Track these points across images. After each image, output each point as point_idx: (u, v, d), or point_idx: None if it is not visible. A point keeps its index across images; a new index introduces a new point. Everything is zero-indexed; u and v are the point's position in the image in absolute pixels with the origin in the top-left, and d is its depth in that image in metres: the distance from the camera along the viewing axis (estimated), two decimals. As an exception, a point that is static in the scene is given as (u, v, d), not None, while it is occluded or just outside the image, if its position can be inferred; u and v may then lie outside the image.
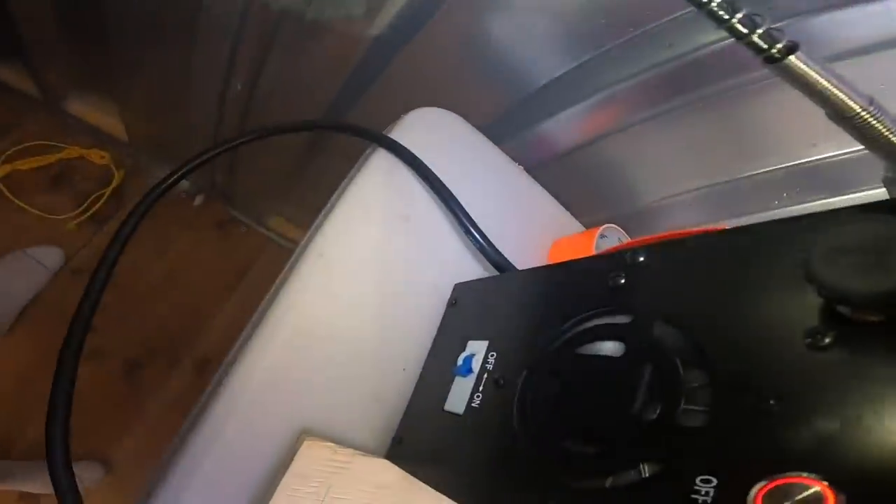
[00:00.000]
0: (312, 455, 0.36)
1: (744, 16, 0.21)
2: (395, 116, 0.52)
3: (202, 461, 0.34)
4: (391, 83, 0.71)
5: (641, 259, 0.26)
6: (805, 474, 0.16)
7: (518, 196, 0.56)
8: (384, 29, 0.63)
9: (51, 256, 1.13)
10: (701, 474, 0.18)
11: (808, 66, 0.21)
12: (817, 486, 0.15)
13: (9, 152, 1.17)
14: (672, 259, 0.25)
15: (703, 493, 0.18)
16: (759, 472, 0.17)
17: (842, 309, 0.17)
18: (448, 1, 0.55)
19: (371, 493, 0.38)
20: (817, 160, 0.50)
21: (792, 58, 0.20)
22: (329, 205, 0.45)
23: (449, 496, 0.33)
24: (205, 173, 1.20)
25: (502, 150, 0.57)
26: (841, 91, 0.21)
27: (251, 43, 0.75)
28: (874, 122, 0.21)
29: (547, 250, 0.55)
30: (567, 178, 0.66)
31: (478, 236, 0.43)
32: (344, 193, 0.44)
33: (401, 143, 0.47)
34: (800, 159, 0.51)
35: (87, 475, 1.03)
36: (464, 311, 0.41)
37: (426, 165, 0.45)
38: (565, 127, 0.63)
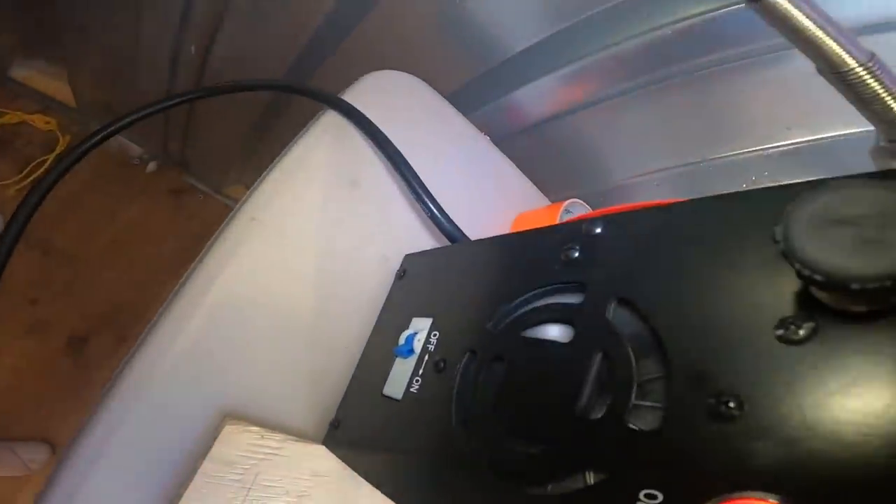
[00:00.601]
0: (235, 440, 0.33)
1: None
2: (359, 81, 0.48)
3: (107, 446, 0.31)
4: (356, 47, 0.68)
5: (598, 231, 0.23)
6: (759, 494, 0.13)
7: (481, 166, 0.52)
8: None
9: (-10, 222, 1.06)
10: (646, 488, 0.15)
11: (795, 5, 0.17)
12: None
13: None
14: (632, 231, 0.22)
15: (647, 509, 0.15)
16: (708, 489, 0.14)
17: (821, 295, 0.14)
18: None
19: (307, 481, 0.35)
20: (791, 144, 0.48)
21: (777, -6, 0.17)
22: (269, 167, 0.41)
23: (381, 490, 0.30)
24: (157, 139, 1.14)
25: (470, 119, 0.54)
26: (836, 41, 0.17)
27: (204, 4, 0.70)
28: (871, 80, 0.17)
29: (511, 225, 0.52)
30: (536, 151, 0.64)
31: (430, 203, 0.40)
32: (286, 155, 0.40)
33: (354, 105, 0.43)
34: (774, 142, 0.50)
35: (32, 456, 0.99)
36: (411, 284, 0.38)
37: (377, 127, 0.41)
38: (537, 97, 0.61)
